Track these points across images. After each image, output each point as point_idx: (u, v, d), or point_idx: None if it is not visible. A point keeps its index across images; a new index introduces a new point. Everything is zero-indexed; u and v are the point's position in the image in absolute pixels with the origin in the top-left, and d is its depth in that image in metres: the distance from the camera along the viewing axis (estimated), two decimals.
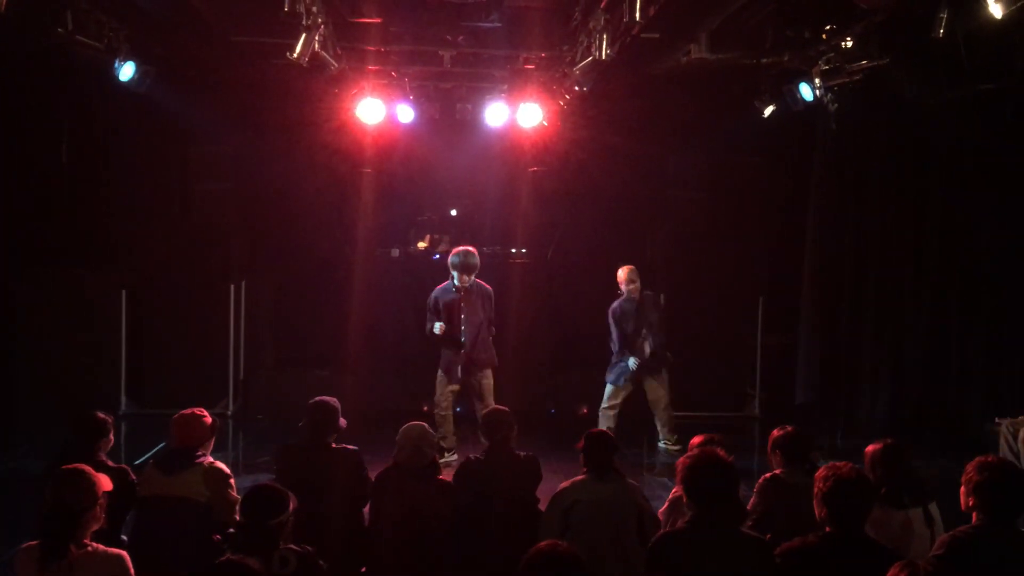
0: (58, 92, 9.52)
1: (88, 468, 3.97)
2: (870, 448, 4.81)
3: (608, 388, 8.95)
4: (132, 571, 3.78)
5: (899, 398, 9.47)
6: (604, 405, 8.94)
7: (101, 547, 3.78)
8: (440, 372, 8.45)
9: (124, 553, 3.82)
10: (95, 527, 3.85)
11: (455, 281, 8.33)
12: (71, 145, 10.21)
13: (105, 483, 3.94)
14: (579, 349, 10.68)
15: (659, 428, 9.16)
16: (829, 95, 8.34)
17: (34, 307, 10.10)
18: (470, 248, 8.42)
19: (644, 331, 8.84)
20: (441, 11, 7.89)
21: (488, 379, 8.45)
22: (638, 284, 8.86)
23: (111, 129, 10.19)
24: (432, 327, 8.34)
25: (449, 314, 8.35)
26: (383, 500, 5.63)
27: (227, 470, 5.17)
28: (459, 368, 8.36)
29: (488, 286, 8.54)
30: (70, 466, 3.98)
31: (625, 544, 5.14)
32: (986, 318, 9.17)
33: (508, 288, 10.56)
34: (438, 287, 8.48)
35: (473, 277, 8.37)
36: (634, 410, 9.22)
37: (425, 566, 5.61)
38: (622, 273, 8.89)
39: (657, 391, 9.00)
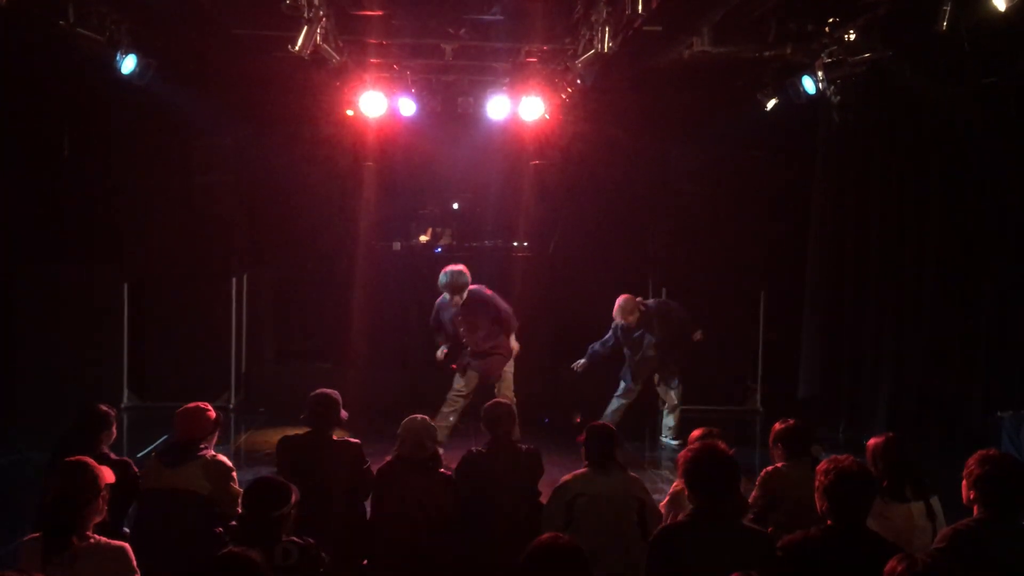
0: (59, 85, 9.50)
1: (90, 460, 3.97)
2: (872, 441, 4.81)
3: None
4: (134, 563, 3.79)
5: (901, 392, 9.46)
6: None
7: (103, 539, 3.78)
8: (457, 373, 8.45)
9: (126, 545, 3.83)
10: (97, 519, 3.86)
11: (448, 300, 8.29)
12: (72, 138, 10.21)
13: (107, 475, 3.94)
14: (581, 343, 10.66)
15: (664, 426, 9.16)
16: (832, 88, 8.32)
17: (36, 300, 10.12)
18: (458, 267, 8.27)
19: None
20: (443, 4, 7.87)
21: (507, 372, 8.43)
22: (634, 317, 8.91)
23: (112, 122, 10.18)
24: (437, 352, 8.52)
25: (452, 328, 8.39)
26: (384, 493, 5.64)
27: (229, 463, 5.17)
28: (470, 363, 8.34)
29: (486, 292, 8.37)
30: (73, 458, 3.98)
31: (626, 537, 5.15)
32: (988, 311, 9.15)
33: (510, 281, 10.54)
34: (439, 300, 8.43)
35: (464, 294, 8.23)
36: (635, 403, 9.22)
37: (426, 559, 5.63)
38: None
39: (668, 395, 9.16)
